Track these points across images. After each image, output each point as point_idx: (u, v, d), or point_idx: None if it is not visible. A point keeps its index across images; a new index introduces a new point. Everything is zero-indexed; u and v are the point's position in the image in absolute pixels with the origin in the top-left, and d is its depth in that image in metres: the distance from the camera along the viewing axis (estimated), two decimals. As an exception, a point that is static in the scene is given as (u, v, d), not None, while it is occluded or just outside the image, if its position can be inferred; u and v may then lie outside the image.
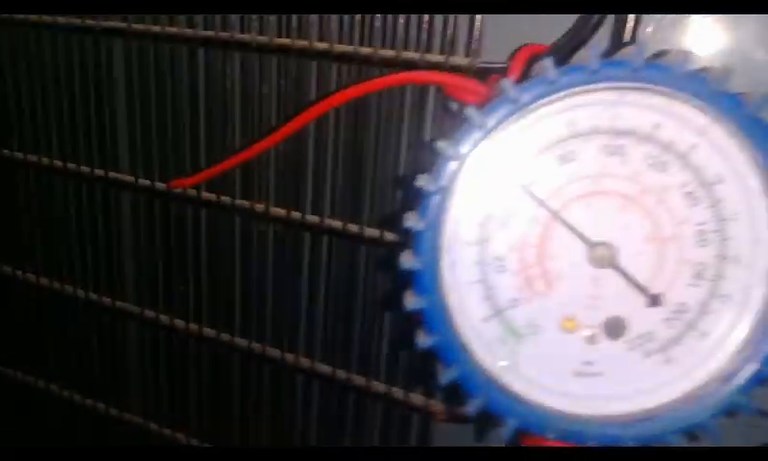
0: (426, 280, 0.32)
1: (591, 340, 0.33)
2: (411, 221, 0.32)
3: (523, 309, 0.33)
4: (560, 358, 0.33)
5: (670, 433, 0.31)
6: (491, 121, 0.31)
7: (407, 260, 0.32)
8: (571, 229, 0.32)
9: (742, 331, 0.32)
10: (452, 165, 0.31)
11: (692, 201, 0.32)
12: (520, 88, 0.30)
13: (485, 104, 0.31)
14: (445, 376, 0.32)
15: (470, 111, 0.30)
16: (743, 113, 0.30)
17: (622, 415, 0.32)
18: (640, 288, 0.32)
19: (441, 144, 0.31)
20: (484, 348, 0.33)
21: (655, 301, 0.32)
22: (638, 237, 0.32)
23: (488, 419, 0.34)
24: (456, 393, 0.33)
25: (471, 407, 0.32)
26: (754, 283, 0.32)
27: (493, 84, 0.37)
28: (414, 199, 0.33)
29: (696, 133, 0.31)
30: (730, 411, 0.31)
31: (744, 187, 0.32)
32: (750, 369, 0.31)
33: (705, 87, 0.30)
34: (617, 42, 0.37)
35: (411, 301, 0.32)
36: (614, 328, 0.33)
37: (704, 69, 0.30)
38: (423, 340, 0.32)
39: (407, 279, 0.32)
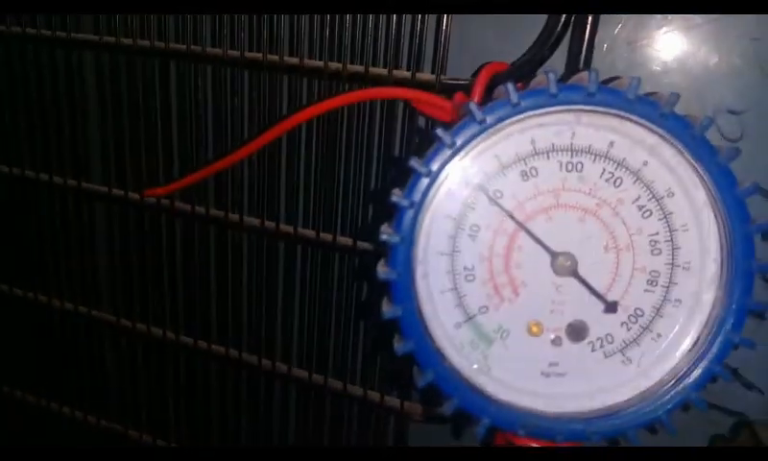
0: (401, 290, 0.33)
1: (556, 343, 0.35)
2: (386, 234, 0.33)
3: (492, 315, 0.35)
4: (527, 360, 0.36)
5: (630, 428, 0.34)
6: (459, 140, 0.33)
7: (383, 271, 0.34)
8: (535, 240, 0.34)
9: (693, 333, 0.35)
10: (423, 181, 0.33)
11: (645, 213, 0.35)
12: (486, 110, 0.32)
13: (452, 121, 0.33)
14: (422, 379, 0.34)
15: (440, 132, 0.32)
16: (690, 133, 0.33)
17: (585, 412, 0.35)
18: (598, 296, 0.35)
19: (413, 162, 0.33)
20: (457, 352, 0.35)
21: (611, 308, 0.35)
22: (597, 247, 0.35)
23: (463, 418, 0.36)
24: (432, 395, 0.35)
25: (447, 408, 0.34)
26: (703, 289, 0.35)
27: (459, 100, 0.39)
28: (388, 212, 0.35)
29: (647, 152, 0.34)
30: (684, 406, 0.34)
31: (692, 200, 0.34)
32: (701, 367, 0.34)
33: (654, 110, 0.33)
34: (573, 67, 0.39)
35: (387, 309, 0.34)
36: (577, 332, 0.35)
37: (653, 93, 0.33)
38: (400, 346, 0.34)
39: (383, 288, 0.34)
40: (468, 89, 0.39)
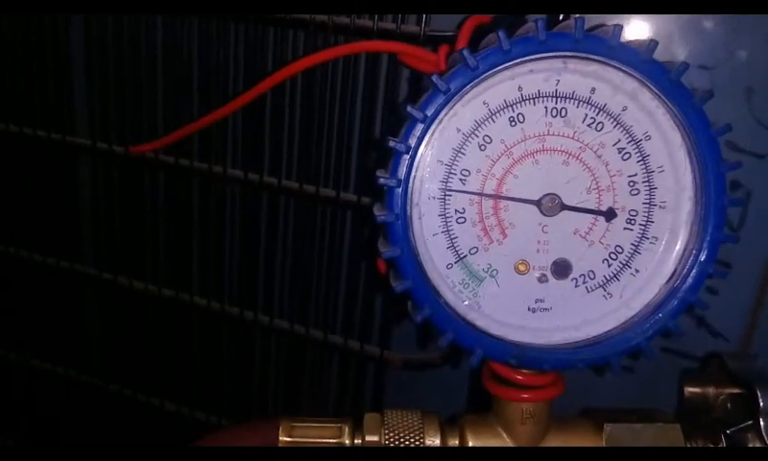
0: (399, 232, 0.35)
1: (542, 280, 0.38)
2: (383, 178, 0.35)
3: (482, 256, 0.37)
4: (515, 297, 0.38)
5: (613, 355, 0.36)
6: (452, 86, 0.34)
7: (381, 213, 0.35)
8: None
9: (671, 265, 0.37)
10: (419, 126, 0.34)
11: (625, 155, 0.37)
12: (478, 57, 0.34)
13: (439, 71, 0.35)
14: (418, 315, 0.35)
15: (435, 78, 0.34)
16: (667, 78, 0.35)
17: (571, 342, 0.37)
18: (593, 211, 0.37)
19: (410, 108, 0.34)
20: (450, 290, 0.37)
21: (610, 214, 0.37)
22: (580, 189, 0.37)
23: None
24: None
25: (442, 342, 0.36)
26: (679, 225, 0.37)
27: (445, 52, 0.40)
28: (383, 158, 0.37)
29: (627, 97, 0.36)
30: (663, 333, 0.36)
31: (668, 143, 0.37)
32: (678, 297, 0.36)
33: (635, 56, 0.35)
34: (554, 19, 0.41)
35: (385, 250, 0.35)
36: (561, 269, 0.38)
37: (633, 41, 0.35)
38: (398, 284, 0.35)
39: (381, 230, 0.36)
40: (452, 41, 0.40)
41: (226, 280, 0.54)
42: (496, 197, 0.37)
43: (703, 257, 0.36)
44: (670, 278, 0.37)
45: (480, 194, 0.37)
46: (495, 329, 0.37)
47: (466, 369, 0.50)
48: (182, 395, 0.58)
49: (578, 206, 0.37)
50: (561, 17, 0.41)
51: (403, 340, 0.51)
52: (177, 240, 0.54)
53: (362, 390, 0.53)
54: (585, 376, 0.42)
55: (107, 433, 0.63)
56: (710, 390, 0.46)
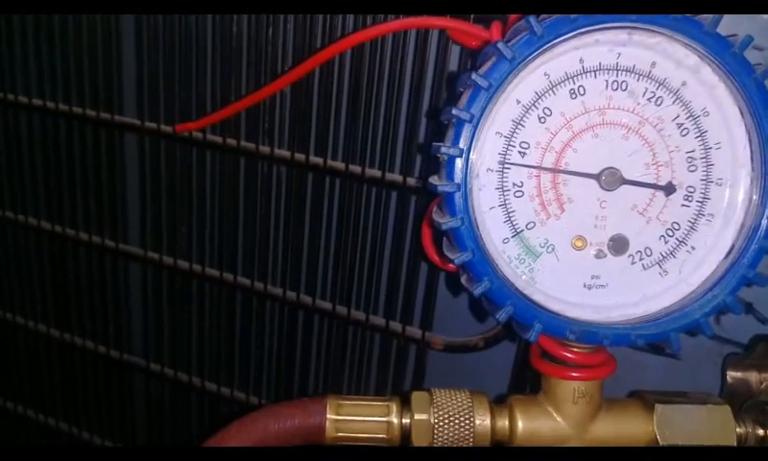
0: (459, 203, 0.35)
1: (599, 256, 0.37)
2: (444, 147, 0.34)
3: (539, 230, 0.37)
4: (570, 273, 0.37)
5: (672, 331, 0.36)
6: (517, 54, 0.34)
7: (441, 184, 0.35)
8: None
9: (728, 242, 0.37)
10: (483, 95, 0.34)
11: (683, 131, 0.37)
12: (544, 25, 0.34)
13: (506, 39, 0.35)
14: (478, 288, 0.35)
15: (501, 45, 0.34)
16: (730, 51, 0.35)
17: (630, 319, 0.37)
18: (653, 186, 0.36)
19: (474, 76, 0.34)
20: (506, 265, 0.37)
21: (670, 189, 0.37)
22: (639, 164, 0.37)
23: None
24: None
25: (501, 316, 0.35)
26: (735, 201, 0.37)
27: (498, 27, 0.40)
28: (443, 130, 0.36)
29: (687, 71, 0.36)
30: (721, 310, 0.36)
31: (726, 119, 0.37)
32: (736, 273, 0.36)
33: (699, 29, 0.34)
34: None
35: (443, 220, 0.35)
36: (618, 245, 0.37)
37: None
38: (457, 257, 0.35)
39: (441, 202, 0.36)
40: (504, 19, 0.40)
41: (270, 260, 0.53)
42: (556, 170, 0.36)
43: (761, 233, 0.36)
44: (728, 253, 0.37)
45: (539, 167, 0.36)
46: (552, 305, 0.37)
47: (505, 354, 0.50)
48: (224, 375, 0.58)
49: (638, 180, 0.37)
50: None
51: (445, 324, 0.50)
52: (222, 220, 0.53)
53: (403, 372, 0.52)
54: (624, 363, 0.42)
55: (148, 414, 0.63)
56: (753, 375, 0.45)
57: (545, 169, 0.36)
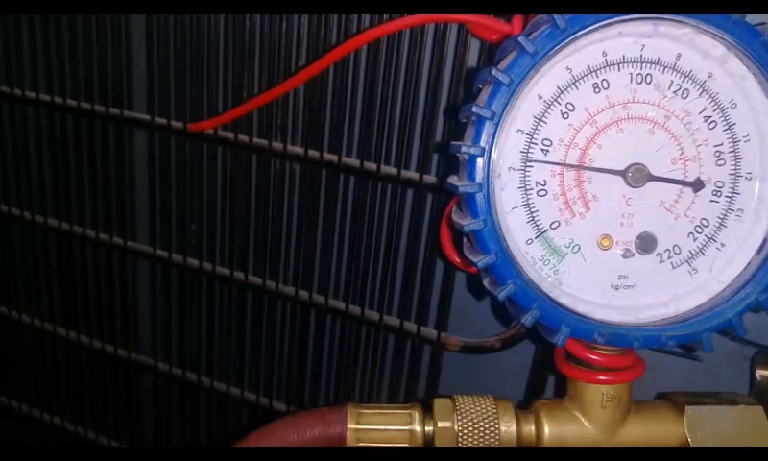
0: (481, 204, 0.33)
1: (626, 255, 0.36)
2: (464, 146, 0.33)
3: (563, 230, 0.36)
4: (597, 273, 0.36)
5: (703, 332, 0.35)
6: (539, 48, 0.33)
7: (461, 184, 0.34)
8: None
9: (759, 237, 0.36)
10: (504, 90, 0.33)
11: (711, 124, 0.35)
12: (567, 17, 0.32)
13: (526, 33, 0.33)
14: (502, 292, 0.34)
15: (522, 39, 0.32)
16: (760, 41, 0.33)
17: (660, 319, 0.36)
18: (680, 182, 0.35)
19: (495, 71, 0.32)
20: (530, 267, 0.35)
21: (698, 185, 0.35)
22: (666, 159, 0.35)
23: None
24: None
25: (527, 320, 0.34)
26: (766, 196, 0.36)
27: (519, 21, 0.39)
28: (461, 128, 0.35)
29: (714, 62, 0.35)
30: (755, 309, 0.35)
31: (755, 110, 0.35)
32: (768, 269, 0.35)
33: (727, 19, 0.33)
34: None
35: (466, 223, 0.34)
36: (646, 244, 0.36)
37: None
38: (480, 260, 0.34)
39: (460, 203, 0.34)
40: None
41: (282, 259, 0.52)
42: (580, 167, 0.35)
43: (794, 228, 0.35)
44: (760, 249, 0.36)
45: (563, 164, 0.35)
46: (579, 307, 0.35)
47: (523, 355, 0.49)
48: (233, 375, 0.57)
49: (666, 176, 0.35)
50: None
51: (460, 324, 0.49)
52: (233, 217, 0.52)
53: (417, 373, 0.51)
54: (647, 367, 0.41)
55: (155, 414, 0.62)
56: (783, 373, 0.44)
57: (569, 166, 0.35)
